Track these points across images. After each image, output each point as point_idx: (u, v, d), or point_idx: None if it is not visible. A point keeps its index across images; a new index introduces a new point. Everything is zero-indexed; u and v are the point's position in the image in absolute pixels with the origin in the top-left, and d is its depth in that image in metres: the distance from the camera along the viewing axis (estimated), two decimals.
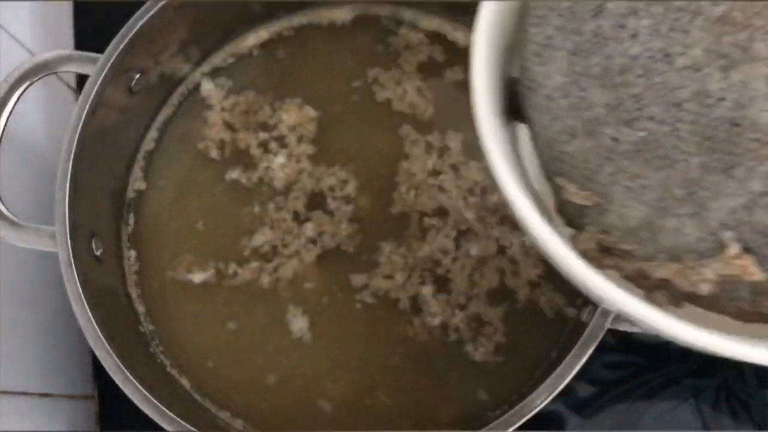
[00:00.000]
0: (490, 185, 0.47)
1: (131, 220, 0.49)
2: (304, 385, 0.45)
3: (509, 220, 0.47)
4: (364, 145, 0.49)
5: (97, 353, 0.39)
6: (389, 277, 0.46)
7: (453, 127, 0.48)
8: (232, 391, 0.45)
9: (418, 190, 0.47)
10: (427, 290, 0.46)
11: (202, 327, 0.47)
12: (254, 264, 0.47)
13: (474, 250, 0.46)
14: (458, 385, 0.45)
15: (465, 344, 0.45)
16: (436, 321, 0.45)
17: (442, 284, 0.46)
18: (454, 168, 0.48)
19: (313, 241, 0.47)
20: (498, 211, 0.47)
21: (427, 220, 0.47)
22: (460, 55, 0.50)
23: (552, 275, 0.45)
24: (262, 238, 0.47)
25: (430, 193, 0.47)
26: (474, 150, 0.48)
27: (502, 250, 0.46)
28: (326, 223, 0.47)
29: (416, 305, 0.46)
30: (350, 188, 0.48)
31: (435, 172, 0.48)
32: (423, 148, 0.48)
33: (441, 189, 0.47)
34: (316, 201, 0.48)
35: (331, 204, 0.47)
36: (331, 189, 0.48)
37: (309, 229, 0.47)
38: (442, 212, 0.47)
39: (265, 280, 0.47)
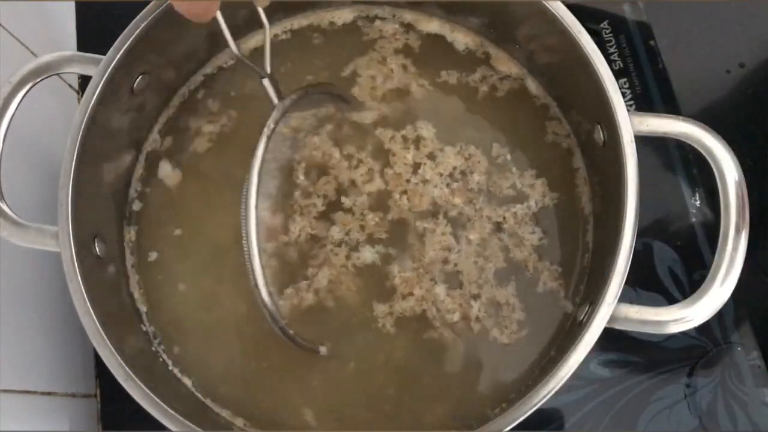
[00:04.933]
0: (468, 167, 0.48)
1: (134, 220, 0.49)
2: (310, 383, 0.45)
3: (495, 197, 0.47)
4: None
5: (100, 352, 0.39)
6: (410, 294, 0.46)
7: (424, 117, 0.49)
8: (234, 389, 0.46)
9: (408, 194, 0.48)
10: (440, 289, 0.46)
11: (205, 326, 0.47)
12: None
13: (472, 235, 0.46)
14: (460, 381, 0.45)
15: (489, 331, 0.45)
16: (456, 317, 0.45)
17: (453, 280, 0.46)
18: (431, 157, 0.48)
19: (340, 244, 0.47)
20: (482, 190, 0.47)
21: (419, 224, 0.47)
22: (457, 57, 0.51)
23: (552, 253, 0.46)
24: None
25: (417, 191, 0.47)
26: (447, 135, 0.49)
27: (498, 227, 0.47)
28: (350, 221, 0.47)
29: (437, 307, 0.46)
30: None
31: (416, 165, 0.48)
32: (400, 143, 0.49)
33: (425, 181, 0.48)
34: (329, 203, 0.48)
35: (346, 202, 0.48)
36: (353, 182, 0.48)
37: (336, 231, 0.47)
38: (433, 211, 0.47)
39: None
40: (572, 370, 0.37)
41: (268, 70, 0.42)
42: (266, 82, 0.42)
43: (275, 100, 0.42)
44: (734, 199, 0.38)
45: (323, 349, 0.45)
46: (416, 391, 0.45)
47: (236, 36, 0.51)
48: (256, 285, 0.40)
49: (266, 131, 0.41)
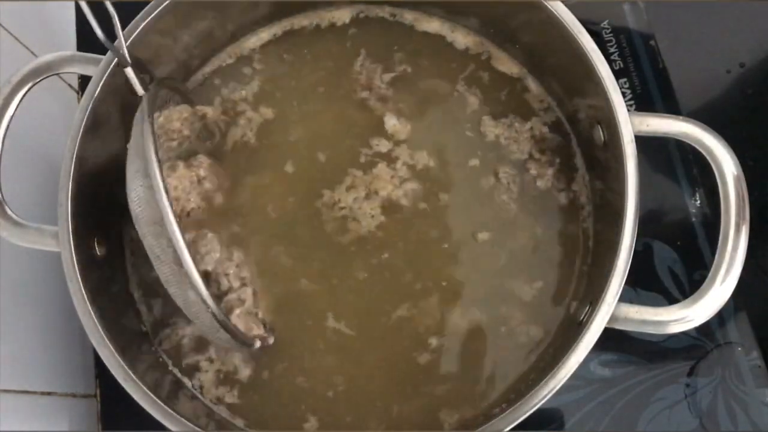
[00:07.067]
0: None
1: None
2: (304, 383, 0.45)
3: None
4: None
5: (99, 352, 0.39)
6: None
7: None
8: (233, 389, 0.46)
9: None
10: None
11: None
12: None
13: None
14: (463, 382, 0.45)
15: None
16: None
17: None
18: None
19: None
20: None
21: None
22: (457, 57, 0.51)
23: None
24: None
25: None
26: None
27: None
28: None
29: None
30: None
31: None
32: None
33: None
34: None
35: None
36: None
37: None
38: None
39: None
40: (572, 370, 0.37)
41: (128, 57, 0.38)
42: (129, 71, 0.38)
43: (140, 90, 0.40)
44: (734, 198, 0.38)
45: (258, 344, 0.43)
46: (418, 398, 0.45)
47: (237, 36, 0.51)
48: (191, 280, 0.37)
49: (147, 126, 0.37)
